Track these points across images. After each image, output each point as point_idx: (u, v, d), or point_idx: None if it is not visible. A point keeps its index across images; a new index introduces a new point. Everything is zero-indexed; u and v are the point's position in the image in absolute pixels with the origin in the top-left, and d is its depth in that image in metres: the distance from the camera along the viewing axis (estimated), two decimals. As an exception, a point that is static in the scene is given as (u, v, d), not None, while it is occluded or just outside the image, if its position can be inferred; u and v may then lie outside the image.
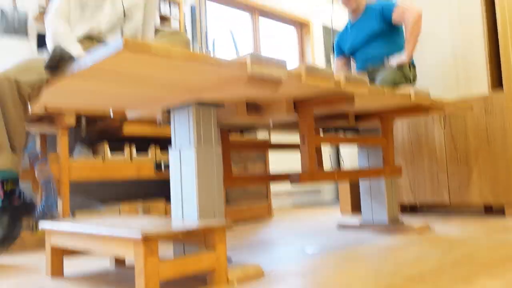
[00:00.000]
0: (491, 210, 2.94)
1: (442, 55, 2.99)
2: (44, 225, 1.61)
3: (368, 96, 1.86)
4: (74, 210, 2.68)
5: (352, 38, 2.88)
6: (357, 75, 1.74)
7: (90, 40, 1.78)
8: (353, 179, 2.23)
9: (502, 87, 2.75)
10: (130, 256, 1.25)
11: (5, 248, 1.48)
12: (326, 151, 4.83)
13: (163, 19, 3.37)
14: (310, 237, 2.34)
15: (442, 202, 2.94)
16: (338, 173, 2.09)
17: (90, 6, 1.78)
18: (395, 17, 2.67)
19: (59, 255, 1.64)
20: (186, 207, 1.58)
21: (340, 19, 5.50)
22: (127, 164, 2.69)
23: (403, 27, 2.71)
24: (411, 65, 2.74)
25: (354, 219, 2.91)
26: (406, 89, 2.06)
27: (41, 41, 2.97)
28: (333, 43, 5.27)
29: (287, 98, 1.85)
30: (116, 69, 1.25)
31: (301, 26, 5.16)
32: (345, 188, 3.43)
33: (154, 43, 1.15)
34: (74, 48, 1.62)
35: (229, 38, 4.01)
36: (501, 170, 2.70)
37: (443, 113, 2.64)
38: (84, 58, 1.24)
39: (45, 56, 1.61)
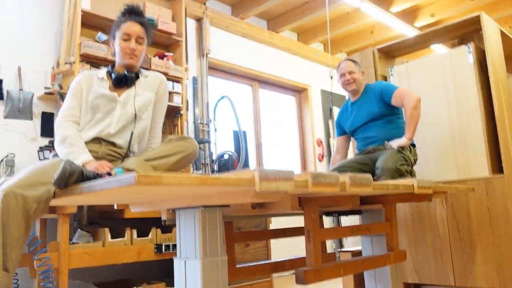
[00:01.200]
0: (497, 292, 2.89)
1: (441, 138, 3.04)
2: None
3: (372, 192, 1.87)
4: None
5: (352, 118, 2.93)
6: (362, 177, 1.76)
7: (99, 142, 1.80)
8: (359, 271, 2.20)
9: (502, 171, 2.78)
10: None
11: None
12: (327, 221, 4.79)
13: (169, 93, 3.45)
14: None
15: (447, 283, 2.89)
16: (344, 267, 2.06)
17: (101, 110, 1.81)
18: (394, 101, 2.73)
19: None
20: (191, 318, 1.54)
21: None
22: (127, 248, 2.65)
23: (403, 110, 2.76)
24: (411, 145, 2.77)
25: None
26: (409, 181, 2.07)
27: (44, 120, 3.01)
28: (330, 107, 5.37)
29: (292, 196, 1.85)
30: (126, 191, 1.26)
31: (300, 92, 5.27)
32: (347, 264, 3.37)
33: (166, 174, 1.16)
34: (83, 158, 1.64)
35: (229, 105, 4.08)
36: (506, 254, 2.68)
37: (445, 195, 2.64)
38: (93, 183, 1.24)
39: (51, 162, 1.62)
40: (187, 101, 3.66)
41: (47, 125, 3.02)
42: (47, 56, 3.10)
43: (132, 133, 1.83)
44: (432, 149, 3.07)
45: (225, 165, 4.06)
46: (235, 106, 3.98)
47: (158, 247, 2.77)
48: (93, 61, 3.07)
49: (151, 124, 1.94)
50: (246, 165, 4.32)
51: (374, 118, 2.82)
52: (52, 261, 2.30)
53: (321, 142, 5.24)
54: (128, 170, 1.54)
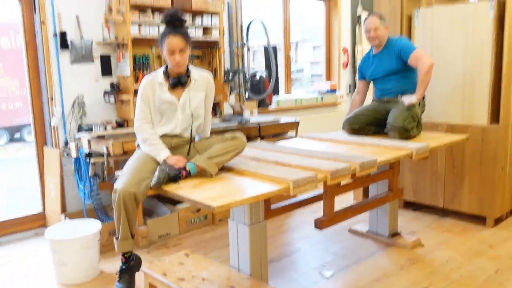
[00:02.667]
0: (475, 217, 3.56)
1: (453, 82, 3.39)
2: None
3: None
4: (146, 218, 3.35)
5: (373, 69, 3.27)
6: (369, 162, 2.28)
7: (170, 137, 2.33)
8: (366, 210, 2.88)
9: (498, 121, 3.21)
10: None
11: None
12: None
13: (205, 29, 3.77)
14: (325, 248, 3.04)
15: (437, 205, 3.57)
16: (351, 211, 2.72)
17: (167, 113, 2.29)
18: (410, 61, 3.03)
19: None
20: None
21: (368, -11, 5.63)
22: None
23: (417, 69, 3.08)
24: (422, 99, 3.16)
25: (362, 226, 3.50)
26: (409, 148, 2.59)
27: (103, 63, 3.46)
28: (359, 15, 5.50)
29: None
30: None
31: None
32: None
33: (233, 202, 1.74)
34: (163, 154, 2.19)
35: (261, 27, 4.35)
36: (487, 189, 3.28)
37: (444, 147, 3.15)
38: (181, 194, 1.84)
39: (144, 160, 2.18)
40: (223, 31, 3.96)
41: (106, 67, 3.48)
42: (99, 3, 3.40)
43: (191, 128, 2.34)
44: (444, 91, 3.45)
45: (256, 85, 4.51)
46: (266, 26, 4.27)
47: (206, 173, 3.46)
48: (142, 9, 3.38)
49: (205, 115, 2.42)
50: (276, 84, 4.76)
51: (391, 73, 3.16)
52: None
53: (347, 50, 5.51)
54: (198, 167, 2.12)
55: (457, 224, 3.41)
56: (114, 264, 2.86)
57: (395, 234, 3.14)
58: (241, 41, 4.38)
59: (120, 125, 3.41)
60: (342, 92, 5.46)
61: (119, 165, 3.29)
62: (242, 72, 4.17)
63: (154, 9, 3.46)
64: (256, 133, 3.70)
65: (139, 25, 3.36)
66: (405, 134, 2.90)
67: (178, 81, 2.25)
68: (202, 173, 2.11)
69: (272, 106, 4.69)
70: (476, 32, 3.23)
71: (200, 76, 2.36)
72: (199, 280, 2.24)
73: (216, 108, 4.01)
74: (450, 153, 3.45)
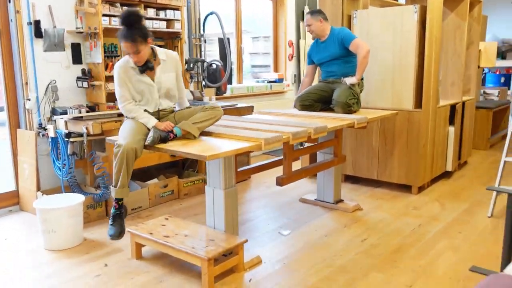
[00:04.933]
0: (403, 186, 4.23)
1: (384, 72, 4.01)
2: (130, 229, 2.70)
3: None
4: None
5: (320, 54, 3.78)
6: (321, 127, 2.78)
7: (153, 114, 2.70)
8: (316, 171, 3.42)
9: (421, 107, 3.88)
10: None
11: (121, 237, 2.57)
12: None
13: (168, 22, 4.10)
14: (280, 215, 3.55)
15: (372, 177, 4.21)
16: (305, 171, 3.25)
17: (145, 93, 2.64)
18: (351, 47, 3.58)
19: (139, 246, 2.76)
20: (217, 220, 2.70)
21: (310, -12, 6.18)
22: (152, 154, 3.69)
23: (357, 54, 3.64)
24: (361, 80, 3.74)
25: (310, 196, 4.05)
26: (351, 119, 3.14)
27: (74, 50, 3.70)
28: (303, 10, 6.03)
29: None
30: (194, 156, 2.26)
31: (276, -2, 5.86)
32: (306, 157, 4.60)
33: (223, 153, 2.16)
34: (152, 121, 2.54)
35: (215, 19, 4.74)
36: (412, 162, 3.95)
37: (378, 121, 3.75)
38: (175, 150, 2.24)
39: (137, 123, 2.55)
40: (184, 23, 4.32)
41: (77, 54, 3.73)
42: (70, -6, 3.65)
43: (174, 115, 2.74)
44: (377, 80, 4.07)
45: (213, 73, 4.90)
46: (221, 18, 4.68)
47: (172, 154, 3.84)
48: (112, 1, 3.66)
49: (178, 90, 2.78)
50: (230, 73, 5.17)
51: (335, 58, 3.70)
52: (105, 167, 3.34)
53: (292, 43, 6.04)
54: (184, 130, 2.51)
55: (388, 193, 4.06)
56: (94, 233, 3.17)
57: (339, 201, 3.71)
58: (199, 32, 4.76)
59: (91, 108, 3.68)
60: (288, 82, 6.00)
61: (95, 144, 3.58)
62: (201, 62, 4.55)
63: (123, 3, 3.75)
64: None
65: (109, 16, 3.65)
66: (347, 109, 3.46)
67: (146, 67, 2.58)
68: (186, 136, 2.52)
69: (227, 94, 5.11)
70: (404, 31, 3.86)
71: (167, 55, 2.69)
72: (182, 236, 2.65)
73: (178, 95, 4.36)
74: (383, 133, 4.08)
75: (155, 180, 3.93)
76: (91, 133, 3.20)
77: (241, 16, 5.46)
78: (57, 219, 2.87)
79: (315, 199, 3.79)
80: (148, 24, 3.91)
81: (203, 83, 4.74)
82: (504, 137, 6.68)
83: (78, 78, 3.67)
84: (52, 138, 3.43)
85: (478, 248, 2.87)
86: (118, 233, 2.56)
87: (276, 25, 5.97)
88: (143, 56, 2.52)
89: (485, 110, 5.77)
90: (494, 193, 3.45)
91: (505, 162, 3.41)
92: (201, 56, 4.80)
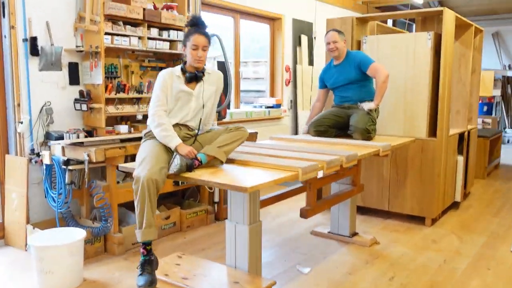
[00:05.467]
0: (414, 217, 4.07)
1: (396, 100, 3.88)
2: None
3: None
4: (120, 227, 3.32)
5: (335, 78, 3.63)
6: (352, 155, 2.59)
7: (179, 127, 2.46)
8: (338, 202, 3.22)
9: (435, 136, 3.76)
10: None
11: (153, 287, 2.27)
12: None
13: (172, 42, 3.89)
14: (293, 249, 3.30)
15: (383, 208, 4.03)
16: (327, 202, 3.05)
17: (181, 100, 2.45)
18: (369, 72, 3.45)
19: None
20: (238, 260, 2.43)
21: (308, 13, 6.12)
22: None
23: (374, 79, 3.50)
24: (377, 108, 3.60)
25: (322, 228, 3.82)
26: (375, 146, 2.97)
27: (71, 70, 3.43)
28: (299, 35, 5.94)
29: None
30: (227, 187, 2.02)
31: (274, 20, 5.75)
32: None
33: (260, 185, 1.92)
34: (176, 141, 2.32)
35: (218, 43, 4.56)
36: (426, 193, 3.80)
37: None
38: (207, 180, 1.99)
39: (159, 148, 2.32)
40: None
41: (74, 74, 3.45)
42: (69, 10, 3.39)
43: (200, 118, 2.51)
44: (388, 108, 3.93)
45: (213, 97, 4.68)
46: (223, 42, 4.50)
47: (176, 181, 3.57)
48: (114, 19, 3.42)
49: (211, 110, 2.60)
50: (228, 97, 4.97)
51: (351, 82, 3.55)
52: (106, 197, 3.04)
53: (289, 68, 5.92)
54: (209, 156, 2.29)
55: (401, 224, 3.88)
56: (94, 272, 2.85)
57: (354, 234, 3.50)
58: (199, 55, 4.55)
59: (88, 133, 3.39)
60: (285, 107, 5.84)
61: (93, 172, 3.28)
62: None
63: (126, 21, 3.52)
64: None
65: (112, 35, 3.41)
66: (367, 135, 3.30)
67: (195, 75, 2.46)
68: (211, 162, 2.29)
69: (226, 119, 4.89)
70: (416, 58, 3.77)
71: (212, 71, 2.59)
72: (201, 277, 2.37)
73: (178, 119, 4.11)
74: (394, 162, 3.93)
75: (157, 212, 3.62)
76: (94, 160, 2.91)
77: (239, 40, 5.30)
78: (56, 258, 2.54)
79: (328, 232, 3.57)
80: (151, 44, 3.69)
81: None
82: (497, 166, 6.68)
83: (77, 100, 3.38)
84: (46, 165, 3.12)
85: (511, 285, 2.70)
86: (149, 283, 2.22)
87: (273, 50, 5.84)
88: (206, 56, 2.47)
89: (482, 138, 5.75)
90: (517, 226, 3.32)
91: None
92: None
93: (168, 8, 3.84)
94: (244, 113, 5.14)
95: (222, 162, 2.31)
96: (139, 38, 3.61)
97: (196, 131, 2.53)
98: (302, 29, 6.05)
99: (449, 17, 3.70)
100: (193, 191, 4.04)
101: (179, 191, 4.06)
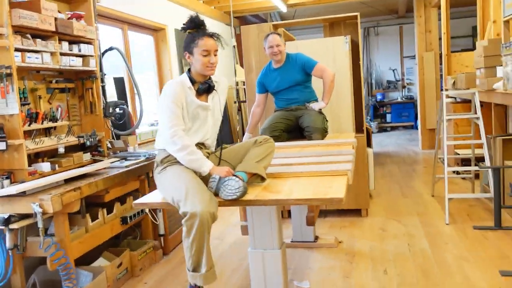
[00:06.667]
0: (349, 211, 4.28)
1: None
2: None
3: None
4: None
5: (278, 81, 3.53)
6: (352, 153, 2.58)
7: (199, 146, 2.11)
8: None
9: (363, 132, 4.03)
10: None
11: None
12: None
13: (84, 58, 3.26)
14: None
15: (321, 208, 4.13)
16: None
17: (200, 118, 2.08)
18: (315, 72, 3.47)
19: None
20: None
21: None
22: (104, 227, 2.83)
23: (322, 80, 3.51)
24: None
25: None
26: (348, 142, 3.02)
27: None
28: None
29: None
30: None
31: (157, 32, 5.37)
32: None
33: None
34: (208, 165, 1.98)
35: (118, 54, 4.04)
36: (360, 186, 4.04)
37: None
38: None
39: (192, 175, 1.99)
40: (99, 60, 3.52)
41: (-29, 105, 2.62)
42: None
43: (217, 135, 2.17)
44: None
45: (120, 118, 4.11)
46: (124, 55, 4.00)
47: (124, 219, 3.02)
48: (22, 32, 2.71)
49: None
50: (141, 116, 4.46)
51: (296, 84, 3.52)
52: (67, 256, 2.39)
53: (178, 81, 5.61)
54: (249, 173, 2.01)
55: (343, 220, 4.04)
56: None
57: (317, 238, 3.50)
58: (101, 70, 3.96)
59: (5, 178, 2.61)
60: (181, 122, 5.51)
61: (29, 228, 2.53)
62: (120, 105, 3.77)
63: (34, 34, 2.83)
64: (161, 168, 3.44)
65: (22, 51, 2.70)
66: (325, 134, 3.36)
67: (208, 87, 2.13)
68: (251, 180, 2.02)
69: (140, 140, 4.37)
70: (337, 60, 3.97)
71: (219, 79, 2.28)
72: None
73: (98, 148, 3.49)
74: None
75: (102, 261, 3.00)
76: (51, 211, 2.25)
77: (130, 53, 4.79)
78: None
79: (292, 241, 3.48)
80: (64, 61, 3.05)
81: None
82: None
83: (-13, 139, 2.56)
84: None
85: (480, 253, 3.06)
86: None
87: (160, 62, 5.45)
88: (218, 61, 2.12)
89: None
90: (447, 200, 3.78)
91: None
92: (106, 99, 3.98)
93: (78, 17, 3.22)
94: (150, 133, 4.67)
95: (263, 179, 2.04)
96: (51, 54, 2.94)
97: (213, 148, 2.20)
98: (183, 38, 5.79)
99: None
100: (131, 229, 3.48)
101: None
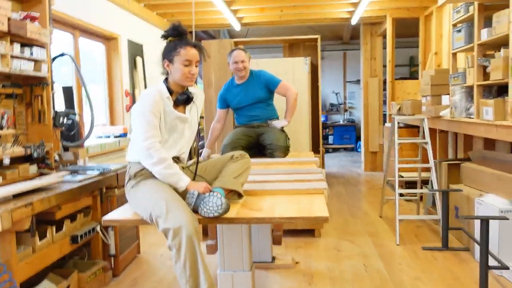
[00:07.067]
0: (303, 231, 4.28)
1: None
2: None
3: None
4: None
5: (240, 97, 3.51)
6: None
7: (174, 161, 2.02)
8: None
9: (318, 151, 4.08)
10: None
11: None
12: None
13: (36, 62, 3.02)
14: None
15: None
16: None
17: (177, 131, 1.97)
18: (279, 90, 3.48)
19: None
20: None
21: (144, 34, 5.73)
22: (52, 247, 2.61)
23: (286, 98, 3.52)
24: None
25: None
26: (311, 160, 3.04)
27: None
28: (135, 58, 5.51)
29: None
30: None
31: (110, 41, 5.16)
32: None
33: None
34: (186, 180, 1.90)
35: (70, 61, 3.82)
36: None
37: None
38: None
39: (170, 189, 1.91)
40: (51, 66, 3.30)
41: None
42: None
43: (191, 148, 2.08)
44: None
45: (69, 129, 3.85)
46: (77, 63, 3.80)
47: (75, 238, 2.80)
48: (-29, 29, 2.48)
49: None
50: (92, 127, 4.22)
51: (259, 101, 3.52)
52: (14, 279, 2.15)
53: (129, 93, 5.40)
54: (227, 190, 1.95)
55: (297, 240, 4.02)
56: None
57: (274, 258, 3.45)
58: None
59: None
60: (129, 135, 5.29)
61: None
62: (72, 114, 3.54)
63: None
64: (115, 183, 3.25)
65: (-31, 51, 2.46)
66: (287, 151, 3.37)
67: (187, 98, 2.06)
68: (228, 196, 1.95)
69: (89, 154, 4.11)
70: (296, 80, 4.03)
71: (197, 91, 2.22)
72: None
73: (45, 160, 3.24)
74: (283, 181, 4.06)
75: (48, 284, 2.73)
76: (0, 229, 2.02)
77: (80, 61, 4.55)
78: None
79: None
80: (15, 64, 2.82)
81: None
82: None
83: None
84: None
85: (432, 274, 3.17)
86: None
87: (111, 73, 5.23)
88: (197, 73, 2.04)
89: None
90: (397, 221, 3.89)
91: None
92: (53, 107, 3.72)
93: (32, 18, 3.00)
94: (99, 146, 4.42)
95: (240, 196, 1.97)
96: (1, 56, 2.71)
97: (187, 162, 2.10)
98: (136, 50, 5.63)
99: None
100: (79, 249, 3.23)
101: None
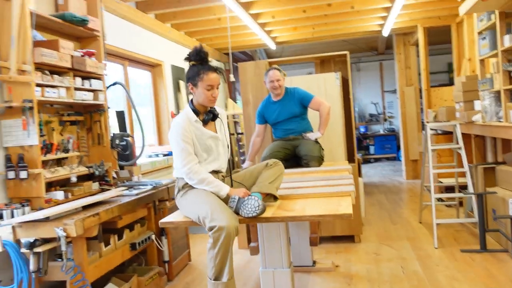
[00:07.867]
0: (343, 237, 4.47)
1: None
2: None
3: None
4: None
5: (277, 113, 3.80)
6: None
7: (215, 173, 2.32)
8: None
9: (353, 161, 4.27)
10: None
11: None
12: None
13: (95, 92, 3.45)
14: None
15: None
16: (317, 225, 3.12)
17: (213, 149, 2.27)
18: (312, 105, 3.74)
19: None
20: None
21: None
22: (115, 253, 2.96)
23: (319, 112, 3.77)
24: None
25: None
26: (343, 168, 3.25)
27: None
28: (178, 82, 5.92)
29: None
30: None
31: (154, 68, 5.61)
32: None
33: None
34: (226, 189, 2.18)
35: (122, 90, 4.24)
36: (354, 214, 4.23)
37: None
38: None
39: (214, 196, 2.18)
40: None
41: None
42: (-16, 58, 2.74)
43: (228, 160, 2.38)
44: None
45: (124, 149, 4.27)
46: (128, 90, 4.21)
47: (133, 245, 3.15)
48: (42, 68, 2.91)
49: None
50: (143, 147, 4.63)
51: (294, 116, 3.79)
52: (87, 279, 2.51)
53: (174, 114, 5.82)
54: (263, 193, 2.21)
55: (338, 246, 4.22)
56: None
57: (314, 262, 3.66)
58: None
59: (23, 206, 2.74)
60: (176, 154, 5.68)
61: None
62: (127, 137, 3.95)
63: (52, 71, 3.03)
64: (167, 196, 3.60)
65: (42, 86, 2.88)
66: (321, 161, 3.59)
67: (213, 115, 2.33)
68: (264, 200, 2.22)
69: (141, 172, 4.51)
70: (328, 95, 4.26)
71: (219, 109, 2.48)
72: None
73: (105, 177, 3.64)
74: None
75: (112, 286, 3.09)
76: (74, 235, 2.38)
77: (129, 88, 5.00)
78: None
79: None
80: (78, 95, 3.24)
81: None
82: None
83: (10, 167, 2.70)
84: (-8, 254, 2.40)
85: (469, 273, 3.27)
86: None
87: (157, 96, 5.67)
88: (218, 94, 2.31)
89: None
90: (435, 225, 4.01)
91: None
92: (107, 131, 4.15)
93: (90, 55, 3.43)
94: (150, 164, 4.82)
95: (276, 199, 2.24)
96: (67, 88, 3.13)
97: (224, 172, 2.40)
98: (179, 74, 6.06)
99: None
100: (135, 256, 3.59)
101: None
